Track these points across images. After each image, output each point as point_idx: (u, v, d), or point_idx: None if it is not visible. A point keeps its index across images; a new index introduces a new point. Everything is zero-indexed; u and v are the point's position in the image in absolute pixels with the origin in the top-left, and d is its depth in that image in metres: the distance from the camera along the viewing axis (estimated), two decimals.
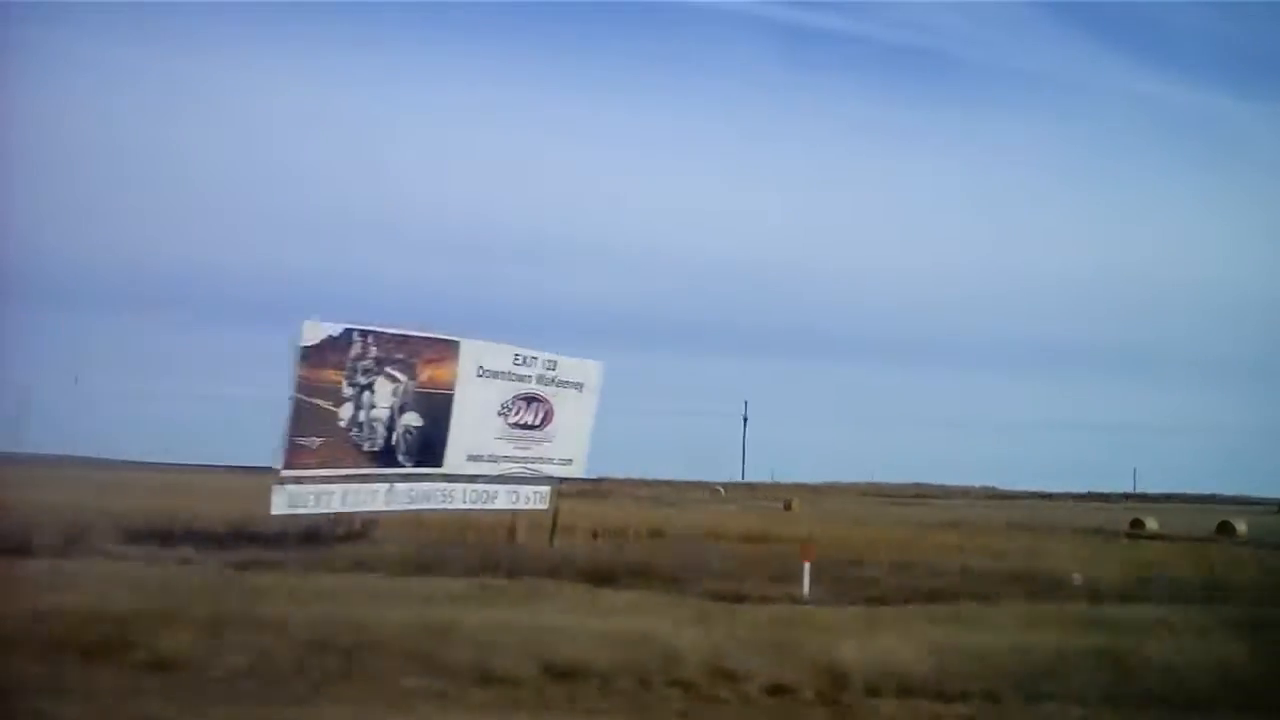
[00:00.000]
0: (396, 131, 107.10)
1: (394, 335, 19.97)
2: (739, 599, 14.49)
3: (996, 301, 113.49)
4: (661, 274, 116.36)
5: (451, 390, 20.92)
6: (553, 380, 22.79)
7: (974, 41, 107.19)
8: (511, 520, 22.46)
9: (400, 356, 20.10)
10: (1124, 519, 43.78)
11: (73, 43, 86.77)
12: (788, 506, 51.79)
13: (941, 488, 76.14)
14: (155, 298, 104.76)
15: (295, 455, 18.35)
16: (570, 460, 23.29)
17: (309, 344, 18.51)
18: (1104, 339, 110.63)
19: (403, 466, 20.20)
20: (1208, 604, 14.97)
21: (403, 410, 20.11)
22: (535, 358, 22.40)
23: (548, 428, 22.72)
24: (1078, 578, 17.79)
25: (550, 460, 22.79)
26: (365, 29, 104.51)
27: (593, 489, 44.11)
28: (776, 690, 10.37)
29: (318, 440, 18.73)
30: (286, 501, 18.40)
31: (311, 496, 18.77)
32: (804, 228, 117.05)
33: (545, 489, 22.78)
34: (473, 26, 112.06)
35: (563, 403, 22.92)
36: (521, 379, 22.21)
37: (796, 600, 14.90)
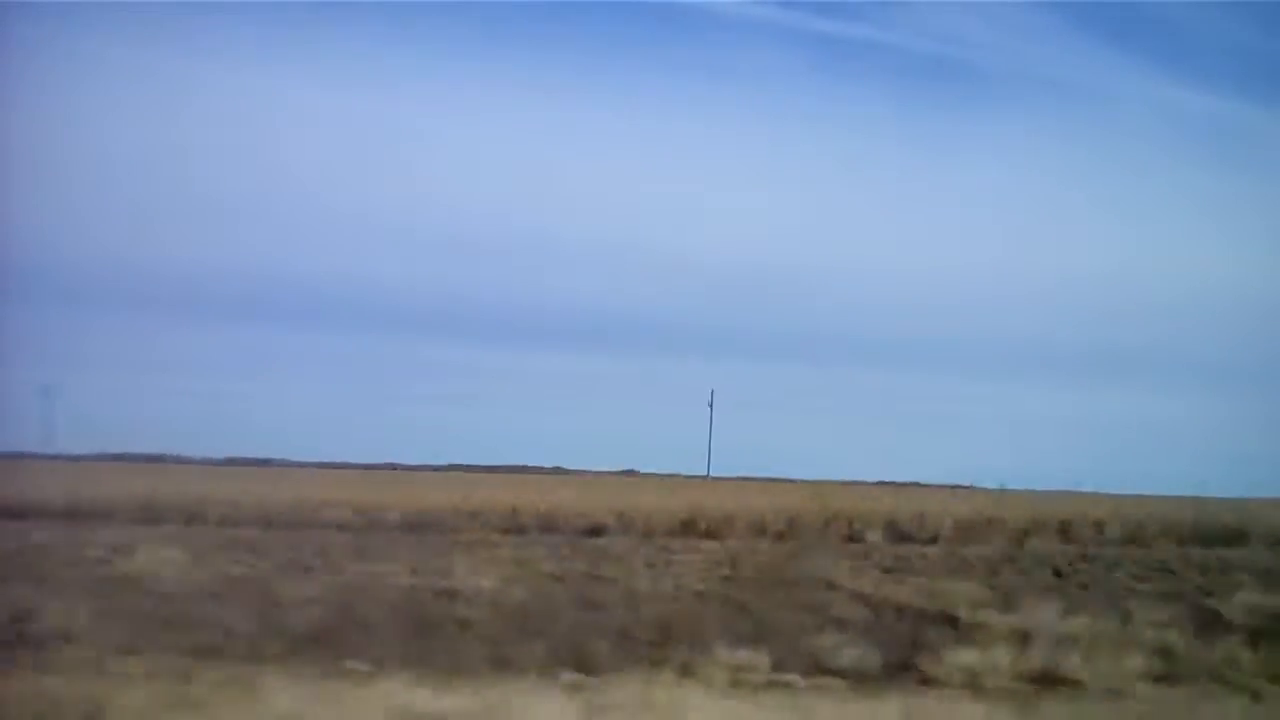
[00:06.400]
0: (413, 133, 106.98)
1: None
2: None
3: (1019, 305, 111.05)
4: (682, 278, 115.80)
5: None
6: None
7: (996, 49, 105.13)
8: None
9: None
10: None
11: (90, 46, 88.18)
12: None
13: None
14: (160, 298, 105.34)
15: None
16: None
17: None
18: (1124, 343, 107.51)
19: None
20: None
21: None
22: None
23: None
24: None
25: None
26: (382, 29, 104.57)
27: None
28: None
29: None
30: None
31: None
32: (825, 232, 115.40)
33: None
34: (493, 28, 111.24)
35: None
36: None
37: None
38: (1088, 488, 68.27)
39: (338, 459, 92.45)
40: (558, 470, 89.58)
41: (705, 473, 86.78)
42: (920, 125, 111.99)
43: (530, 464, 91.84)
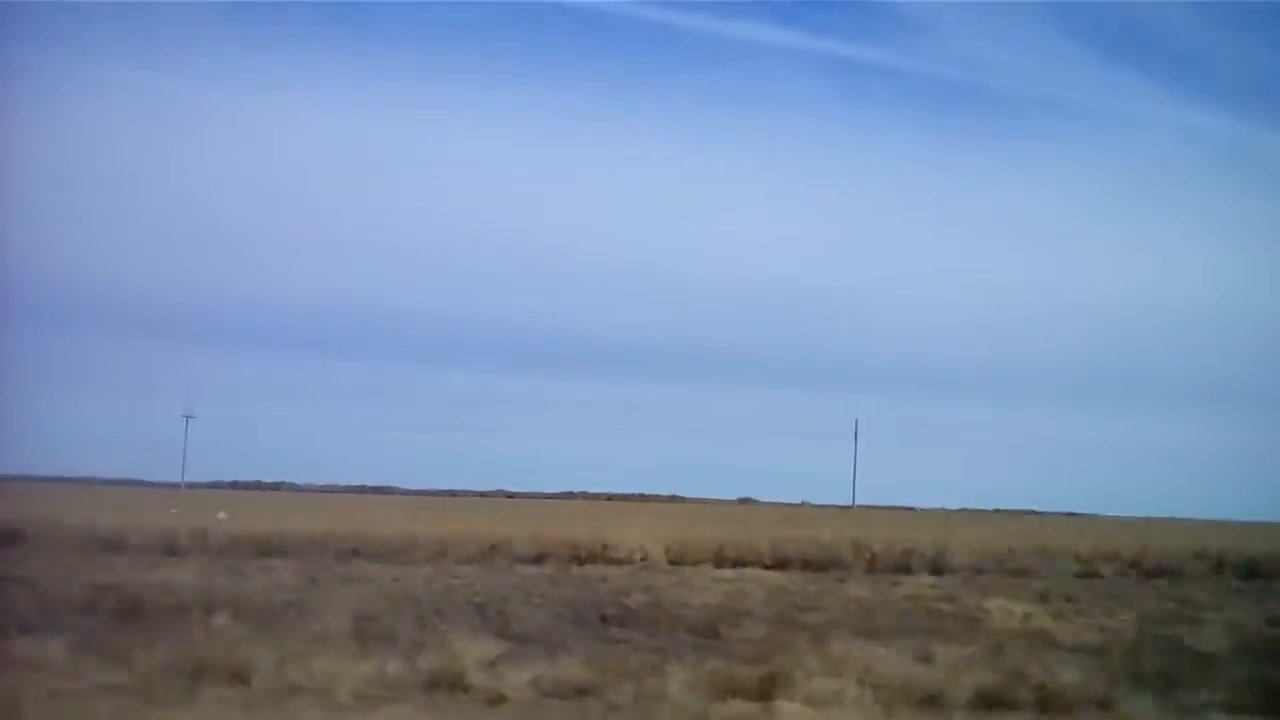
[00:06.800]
0: (433, 161, 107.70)
1: None
2: None
3: (1041, 330, 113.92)
4: (708, 305, 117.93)
5: None
6: None
7: (1019, 75, 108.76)
8: None
9: None
10: None
11: (97, 69, 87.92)
12: None
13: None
14: (163, 321, 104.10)
15: None
16: None
17: None
18: (1148, 367, 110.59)
19: None
20: None
21: None
22: None
23: None
24: None
25: None
26: (397, 54, 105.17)
27: None
28: None
29: None
30: None
31: None
32: (850, 259, 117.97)
33: None
34: (514, 55, 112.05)
35: None
36: None
37: None
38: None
39: (449, 486, 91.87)
40: (675, 498, 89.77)
41: (850, 502, 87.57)
42: (944, 151, 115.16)
43: (649, 492, 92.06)
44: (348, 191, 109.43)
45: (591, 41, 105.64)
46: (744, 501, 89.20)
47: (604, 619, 14.42)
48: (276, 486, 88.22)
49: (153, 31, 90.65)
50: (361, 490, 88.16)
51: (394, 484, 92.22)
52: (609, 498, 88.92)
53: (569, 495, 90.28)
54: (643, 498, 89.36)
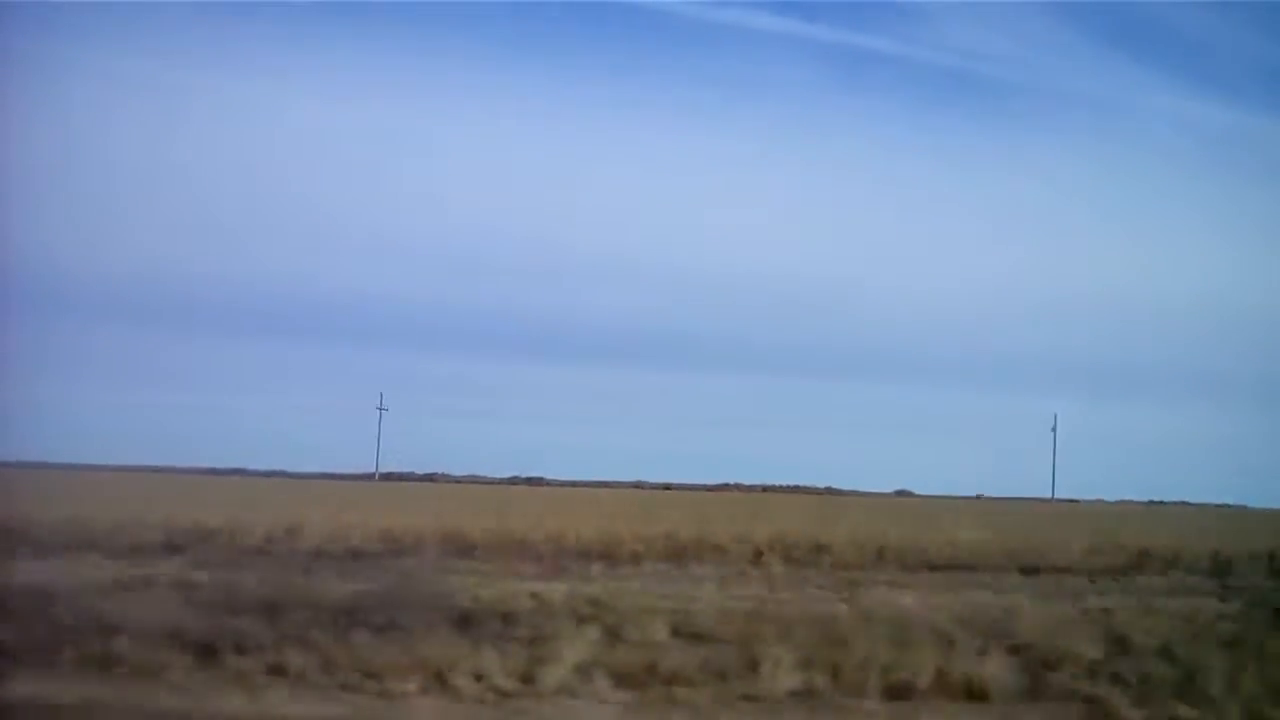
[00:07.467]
0: (432, 148, 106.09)
1: None
2: None
3: (1036, 319, 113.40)
4: (703, 293, 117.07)
5: None
6: None
7: (1018, 63, 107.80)
8: None
9: None
10: None
11: (96, 57, 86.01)
12: None
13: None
14: (164, 310, 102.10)
15: None
16: None
17: None
18: (1146, 358, 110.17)
19: None
20: None
21: None
22: None
23: None
24: None
25: None
26: (398, 41, 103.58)
27: None
28: None
29: None
30: None
31: None
32: (847, 247, 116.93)
33: None
34: (514, 42, 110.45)
35: None
36: None
37: None
38: None
39: (603, 478, 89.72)
40: (830, 490, 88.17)
41: (1049, 494, 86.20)
42: (939, 138, 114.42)
43: (803, 484, 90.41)
44: (347, 179, 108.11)
45: (587, 28, 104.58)
46: (901, 494, 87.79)
47: None
48: (431, 478, 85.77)
49: (152, 19, 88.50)
50: (514, 482, 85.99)
51: (544, 474, 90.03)
52: (764, 489, 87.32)
53: (724, 487, 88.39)
54: (796, 489, 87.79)
